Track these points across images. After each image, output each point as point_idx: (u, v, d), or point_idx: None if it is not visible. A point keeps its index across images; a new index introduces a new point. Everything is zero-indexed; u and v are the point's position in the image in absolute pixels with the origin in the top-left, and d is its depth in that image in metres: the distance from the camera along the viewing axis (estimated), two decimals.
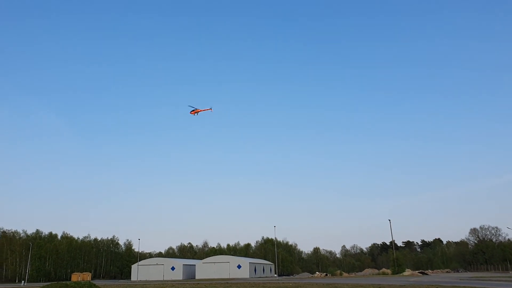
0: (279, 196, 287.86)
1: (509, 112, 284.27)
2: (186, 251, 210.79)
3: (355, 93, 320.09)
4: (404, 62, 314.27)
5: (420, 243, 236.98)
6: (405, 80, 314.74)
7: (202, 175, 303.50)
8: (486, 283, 50.78)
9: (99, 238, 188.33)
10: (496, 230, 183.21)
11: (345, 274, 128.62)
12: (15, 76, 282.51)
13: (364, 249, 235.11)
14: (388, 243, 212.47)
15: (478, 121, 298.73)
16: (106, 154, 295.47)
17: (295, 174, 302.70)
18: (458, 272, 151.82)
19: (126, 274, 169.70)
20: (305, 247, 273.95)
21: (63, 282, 53.55)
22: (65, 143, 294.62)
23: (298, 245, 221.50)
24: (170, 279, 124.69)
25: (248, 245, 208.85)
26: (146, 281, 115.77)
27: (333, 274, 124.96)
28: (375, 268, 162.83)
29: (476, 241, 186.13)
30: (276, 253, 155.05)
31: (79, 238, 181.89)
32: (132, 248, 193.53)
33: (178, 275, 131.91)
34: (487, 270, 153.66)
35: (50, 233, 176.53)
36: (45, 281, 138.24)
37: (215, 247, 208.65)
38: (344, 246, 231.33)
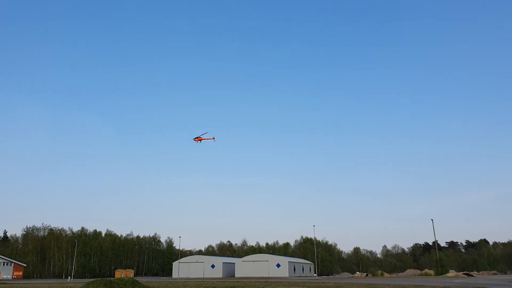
0: (318, 196, 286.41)
1: None
2: (225, 249, 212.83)
3: (400, 94, 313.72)
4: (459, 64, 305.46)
5: (464, 243, 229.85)
6: (454, 80, 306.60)
7: (241, 174, 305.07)
8: None
9: (141, 236, 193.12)
10: None
11: (386, 275, 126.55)
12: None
13: (406, 249, 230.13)
14: (430, 243, 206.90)
15: None
16: (149, 155, 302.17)
17: (335, 174, 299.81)
18: (506, 274, 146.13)
19: (167, 271, 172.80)
20: (345, 247, 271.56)
21: (107, 278, 54.94)
22: (110, 145, 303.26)
23: (337, 245, 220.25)
24: (210, 276, 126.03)
25: (287, 244, 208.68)
26: (187, 278, 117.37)
27: (374, 274, 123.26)
28: (417, 268, 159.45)
29: None
30: (315, 253, 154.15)
31: (122, 235, 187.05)
32: (173, 245, 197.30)
33: (218, 273, 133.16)
34: None
35: (95, 231, 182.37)
36: (90, 277, 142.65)
37: (254, 245, 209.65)
38: (385, 246, 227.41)
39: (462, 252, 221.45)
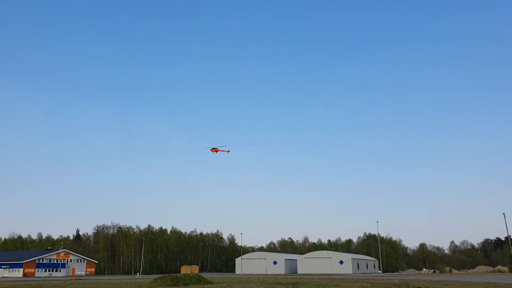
0: (381, 192, 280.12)
1: None
2: (287, 246, 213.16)
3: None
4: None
5: None
6: None
7: (302, 173, 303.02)
8: None
9: (204, 233, 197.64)
10: None
11: (454, 271, 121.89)
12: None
13: (476, 245, 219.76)
14: (503, 239, 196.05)
15: None
16: (212, 156, 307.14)
17: (397, 170, 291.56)
18: None
19: (230, 267, 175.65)
20: (410, 243, 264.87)
21: (174, 274, 56.85)
22: (174, 147, 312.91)
23: (402, 241, 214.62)
24: (272, 273, 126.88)
25: (349, 241, 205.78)
26: (250, 274, 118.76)
27: (441, 271, 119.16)
28: (489, 265, 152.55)
29: None
30: (379, 249, 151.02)
31: (186, 232, 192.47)
32: (235, 242, 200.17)
33: (280, 269, 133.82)
34: None
35: (161, 228, 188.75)
36: (157, 273, 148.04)
37: (315, 242, 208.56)
38: (453, 242, 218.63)
39: None
